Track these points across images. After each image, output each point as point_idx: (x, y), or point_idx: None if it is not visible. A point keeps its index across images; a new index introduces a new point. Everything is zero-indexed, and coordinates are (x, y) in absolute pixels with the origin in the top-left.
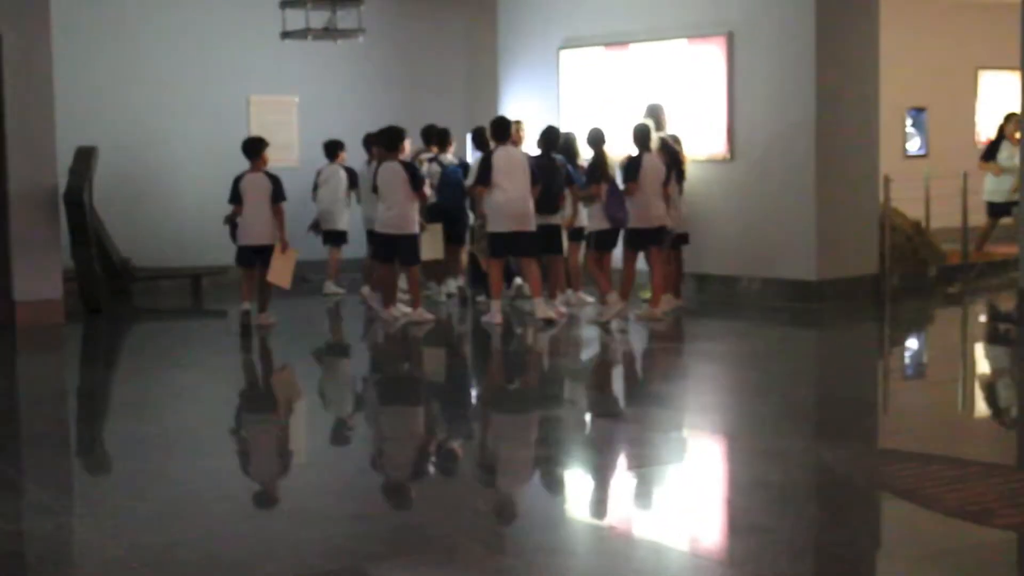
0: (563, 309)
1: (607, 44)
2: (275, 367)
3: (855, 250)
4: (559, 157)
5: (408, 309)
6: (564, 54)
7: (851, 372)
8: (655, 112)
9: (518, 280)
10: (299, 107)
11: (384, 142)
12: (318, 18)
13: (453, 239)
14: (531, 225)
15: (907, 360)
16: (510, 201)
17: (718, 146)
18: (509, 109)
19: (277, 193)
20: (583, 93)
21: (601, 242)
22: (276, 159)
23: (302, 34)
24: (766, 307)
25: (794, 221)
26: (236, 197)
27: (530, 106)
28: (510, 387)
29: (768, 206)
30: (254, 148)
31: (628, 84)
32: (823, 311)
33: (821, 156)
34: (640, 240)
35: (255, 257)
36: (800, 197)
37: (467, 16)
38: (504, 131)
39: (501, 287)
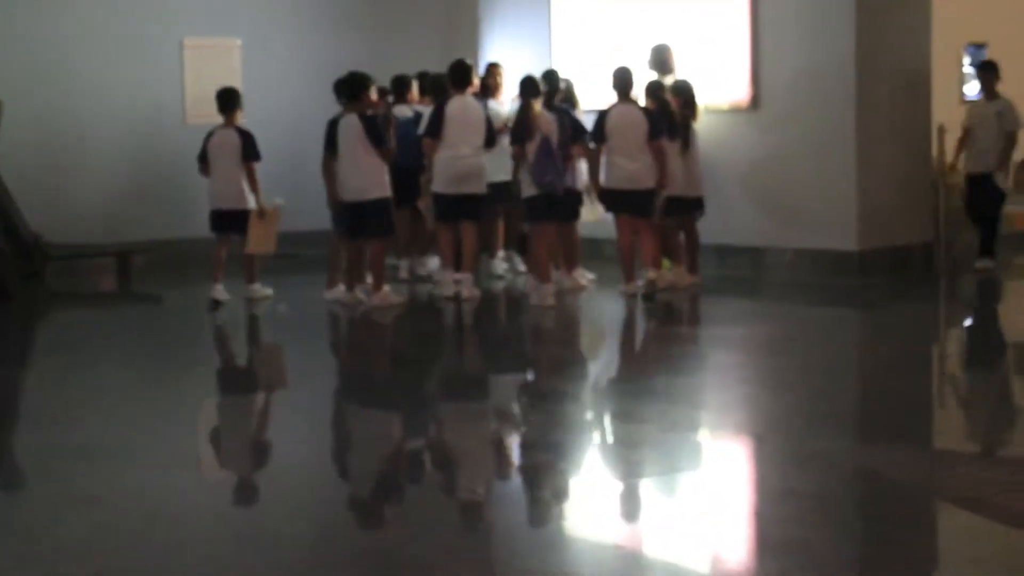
0: (584, 281)
1: None
2: (222, 362)
3: (904, 215)
4: (562, 107)
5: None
6: None
7: (900, 361)
8: (660, 55)
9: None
10: (243, 51)
11: (343, 91)
12: None
13: (404, 202)
14: (478, 187)
15: (966, 346)
16: (455, 159)
17: (739, 92)
18: (493, 55)
19: (249, 150)
20: (579, 36)
21: (531, 211)
22: (214, 115)
23: None
24: (799, 283)
25: (831, 181)
26: (204, 154)
27: (517, 52)
28: (493, 378)
29: (800, 163)
30: (231, 100)
31: (630, 21)
32: (867, 287)
33: (862, 102)
34: (613, 203)
35: (228, 223)
36: (838, 152)
37: None
38: (462, 78)
39: (546, 263)
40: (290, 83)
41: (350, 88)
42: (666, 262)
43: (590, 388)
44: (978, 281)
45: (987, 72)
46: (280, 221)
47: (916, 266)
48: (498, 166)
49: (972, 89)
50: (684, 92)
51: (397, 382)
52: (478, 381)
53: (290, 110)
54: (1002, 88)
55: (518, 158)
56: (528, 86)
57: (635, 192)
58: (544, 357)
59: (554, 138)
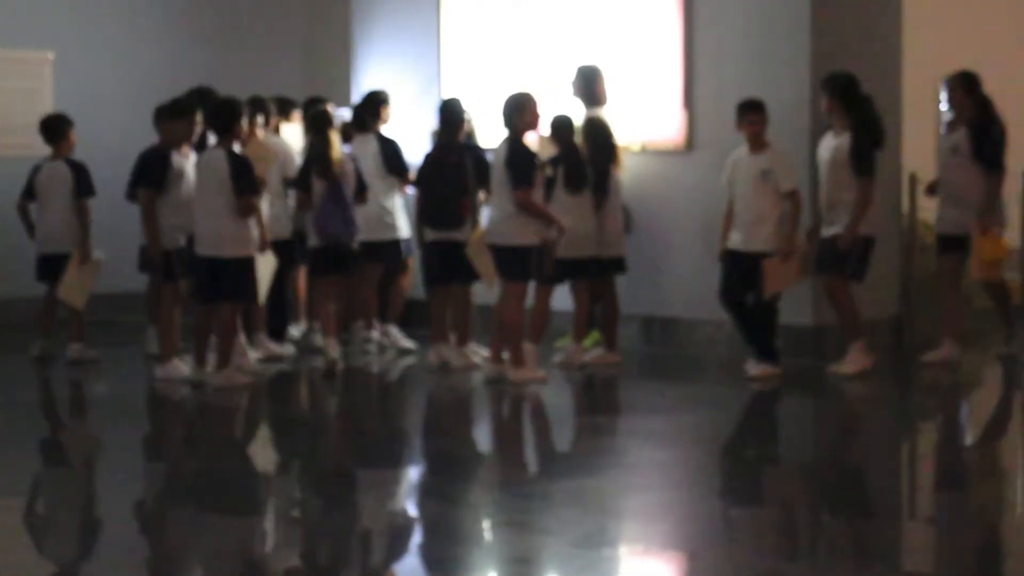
0: (477, 358)
1: None
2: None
3: (869, 282)
4: (470, 143)
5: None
6: None
7: (862, 460)
8: (588, 80)
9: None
10: (55, 66)
11: (213, 122)
12: None
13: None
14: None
15: (942, 447)
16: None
17: (669, 130)
18: (368, 75)
19: (83, 186)
20: (476, 56)
21: (314, 265)
22: (17, 144)
23: None
24: (740, 363)
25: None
26: (30, 191)
27: (399, 76)
28: (361, 475)
29: None
30: (57, 128)
31: (537, 43)
32: (823, 369)
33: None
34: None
35: (59, 270)
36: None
37: None
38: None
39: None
40: (113, 105)
41: (219, 117)
42: (594, 333)
43: (484, 490)
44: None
45: (752, 113)
46: (98, 276)
47: (881, 344)
48: (377, 221)
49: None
50: (597, 133)
51: (245, 478)
52: (345, 478)
53: (112, 139)
54: None
55: (303, 204)
56: (320, 119)
57: (498, 248)
58: (427, 449)
59: (349, 182)
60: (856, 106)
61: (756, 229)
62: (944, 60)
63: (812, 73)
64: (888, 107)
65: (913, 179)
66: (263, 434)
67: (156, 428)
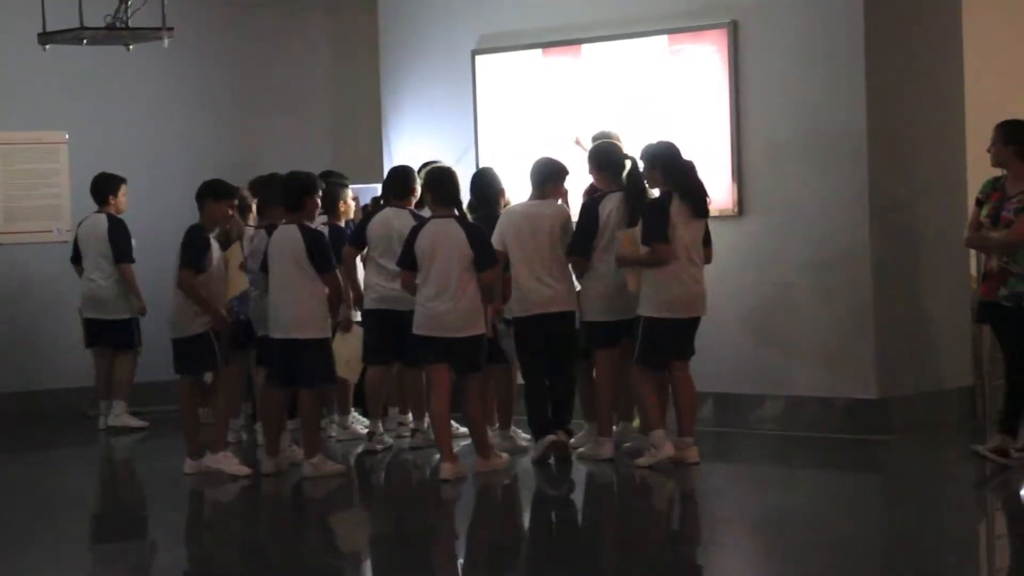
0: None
1: (546, 45)
2: None
3: (938, 351)
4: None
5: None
6: (481, 60)
7: (939, 546)
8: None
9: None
10: (70, 148)
11: (279, 197)
12: (97, 12)
13: None
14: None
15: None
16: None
17: (719, 194)
18: (401, 144)
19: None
20: (511, 115)
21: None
22: (38, 230)
23: (73, 36)
24: (796, 440)
25: (840, 306)
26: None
27: (431, 137)
28: None
29: (798, 284)
30: (107, 187)
31: (579, 103)
32: (890, 445)
33: (878, 205)
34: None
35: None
36: (849, 270)
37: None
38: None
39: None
40: (131, 183)
41: (290, 194)
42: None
43: None
44: None
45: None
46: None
47: (957, 416)
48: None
49: None
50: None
51: None
52: None
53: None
54: None
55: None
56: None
57: (445, 339)
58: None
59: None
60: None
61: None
62: (1008, 96)
63: (868, 120)
64: (952, 154)
65: None
66: None
67: None
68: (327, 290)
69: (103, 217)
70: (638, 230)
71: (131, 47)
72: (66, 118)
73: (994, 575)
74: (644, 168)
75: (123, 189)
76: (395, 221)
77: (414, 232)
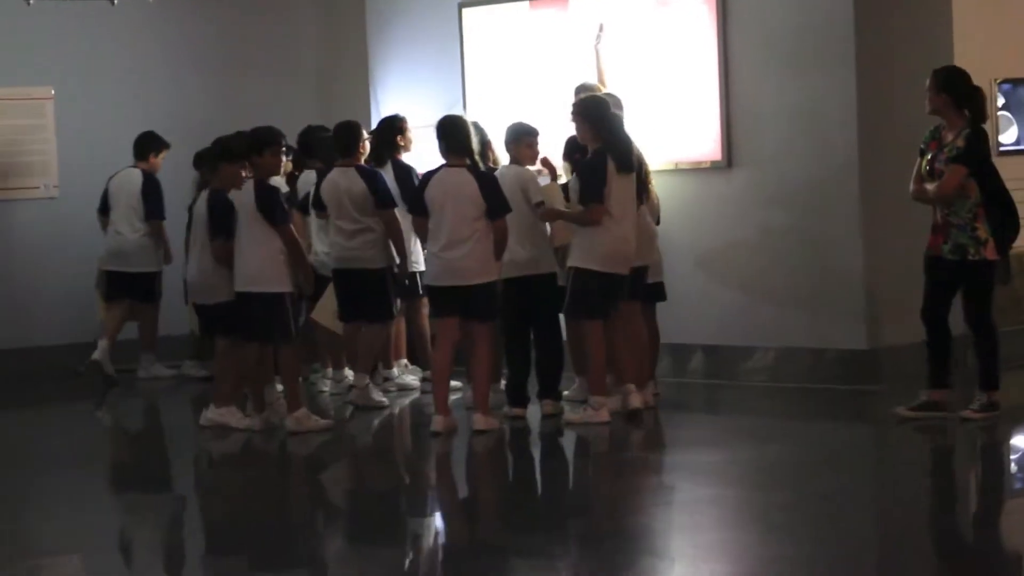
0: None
1: None
2: None
3: None
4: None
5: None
6: (468, 13)
7: (926, 495)
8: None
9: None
10: (56, 105)
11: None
12: None
13: None
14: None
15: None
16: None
17: (706, 145)
18: (388, 98)
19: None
20: (498, 68)
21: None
22: (25, 187)
23: None
24: (788, 391)
25: (829, 257)
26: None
27: (419, 91)
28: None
29: (788, 235)
30: (150, 146)
31: (566, 56)
32: (881, 396)
33: (867, 157)
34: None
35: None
36: (838, 219)
37: None
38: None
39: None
40: (116, 140)
41: (343, 141)
42: None
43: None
44: None
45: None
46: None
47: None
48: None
49: (1009, 136)
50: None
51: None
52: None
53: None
54: None
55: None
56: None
57: (460, 288)
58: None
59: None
60: None
61: None
62: (996, 62)
63: (857, 75)
64: None
65: None
66: None
67: None
68: (282, 244)
69: (138, 172)
70: (559, 184)
71: (116, 1)
72: (52, 74)
73: (984, 521)
74: (576, 124)
75: (164, 153)
76: (342, 181)
77: (425, 179)
